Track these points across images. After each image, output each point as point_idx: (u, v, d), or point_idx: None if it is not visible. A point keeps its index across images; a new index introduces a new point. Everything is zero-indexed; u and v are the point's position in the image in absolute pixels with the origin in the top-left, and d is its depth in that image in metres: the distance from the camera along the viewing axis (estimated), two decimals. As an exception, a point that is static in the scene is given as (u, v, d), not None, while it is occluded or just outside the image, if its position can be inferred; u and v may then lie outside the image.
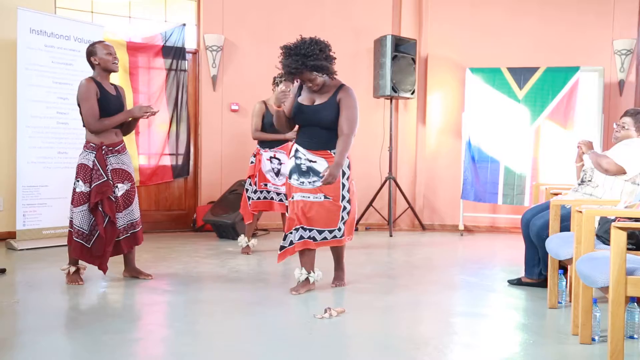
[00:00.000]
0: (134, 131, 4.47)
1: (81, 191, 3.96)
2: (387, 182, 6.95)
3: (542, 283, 3.95)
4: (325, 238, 3.72)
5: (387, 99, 6.97)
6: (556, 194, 4.41)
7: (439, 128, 7.37)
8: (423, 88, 7.33)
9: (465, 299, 3.92)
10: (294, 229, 3.69)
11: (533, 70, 6.72)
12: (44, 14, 5.70)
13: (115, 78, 4.20)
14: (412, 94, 6.95)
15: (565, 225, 3.56)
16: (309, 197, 3.69)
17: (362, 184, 7.14)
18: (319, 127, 3.76)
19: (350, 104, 3.78)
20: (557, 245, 3.30)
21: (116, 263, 4.32)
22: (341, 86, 3.85)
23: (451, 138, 7.30)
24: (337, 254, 4.03)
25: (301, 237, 3.67)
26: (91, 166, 3.95)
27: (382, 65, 6.80)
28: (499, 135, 6.78)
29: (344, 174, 3.73)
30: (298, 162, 3.75)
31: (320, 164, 3.69)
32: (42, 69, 5.58)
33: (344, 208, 3.74)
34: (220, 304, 3.56)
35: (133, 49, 6.41)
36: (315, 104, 3.79)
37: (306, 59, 3.60)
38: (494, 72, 6.82)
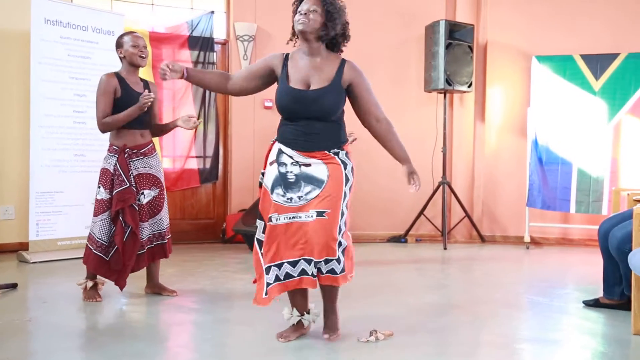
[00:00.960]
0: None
1: (102, 198, 4.02)
2: (441, 187, 6.89)
3: (624, 305, 3.83)
4: (320, 271, 3.10)
5: (441, 92, 6.92)
6: (640, 201, 4.28)
7: (501, 125, 7.27)
8: (482, 80, 7.25)
9: (533, 323, 3.84)
10: (276, 265, 3.08)
11: (612, 57, 6.57)
12: (60, 3, 5.83)
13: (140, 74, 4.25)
14: (469, 86, 6.88)
15: (651, 237, 3.45)
16: (300, 217, 3.07)
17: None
18: (317, 119, 3.17)
19: (369, 87, 3.32)
20: (642, 261, 3.20)
21: (138, 278, 4.38)
22: (344, 61, 3.25)
23: (514, 137, 7.20)
24: (331, 295, 3.27)
25: (288, 276, 3.08)
26: (112, 171, 4.01)
27: (434, 55, 6.75)
28: (571, 133, 6.66)
29: (347, 180, 3.19)
30: (282, 169, 3.15)
31: (318, 169, 3.14)
32: (58, 62, 5.71)
33: (340, 229, 3.10)
34: (252, 324, 3.55)
35: (156, 39, 6.51)
36: (312, 88, 3.17)
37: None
38: (565, 60, 6.70)
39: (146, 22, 6.68)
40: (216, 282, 4.75)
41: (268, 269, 3.07)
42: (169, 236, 4.24)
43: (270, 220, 3.10)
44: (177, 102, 6.59)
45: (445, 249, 6.60)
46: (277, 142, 3.27)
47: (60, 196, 5.71)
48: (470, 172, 7.32)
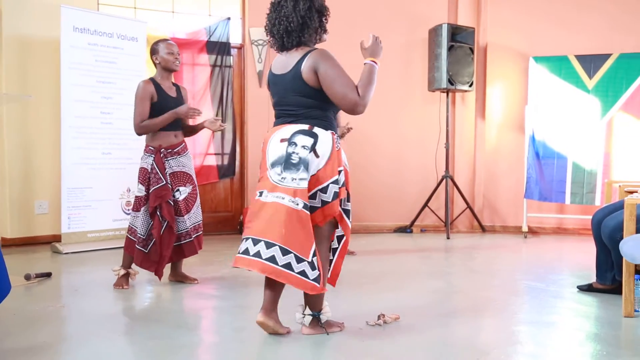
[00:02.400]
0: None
1: (140, 195, 4.08)
2: (444, 180, 6.89)
3: (615, 289, 3.84)
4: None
5: (443, 92, 6.91)
6: (631, 192, 4.27)
7: (500, 122, 7.25)
8: (482, 80, 7.23)
9: (530, 306, 3.83)
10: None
11: (605, 57, 6.54)
12: (87, 12, 5.86)
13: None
14: (470, 86, 6.86)
15: (641, 227, 3.46)
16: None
17: (416, 184, 7.13)
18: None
19: None
20: (632, 248, 3.21)
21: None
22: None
23: (513, 133, 7.18)
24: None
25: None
26: (149, 170, 4.05)
27: (437, 56, 6.74)
28: (567, 129, 6.63)
29: None
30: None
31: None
32: (86, 67, 5.75)
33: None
34: (268, 309, 3.59)
35: (177, 45, 6.51)
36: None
37: None
38: (560, 60, 6.67)
39: (167, 28, 6.70)
40: (234, 270, 4.76)
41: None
42: (201, 231, 4.31)
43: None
44: (196, 103, 6.61)
45: (448, 238, 6.61)
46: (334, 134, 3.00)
47: (89, 191, 5.75)
48: (471, 166, 7.31)
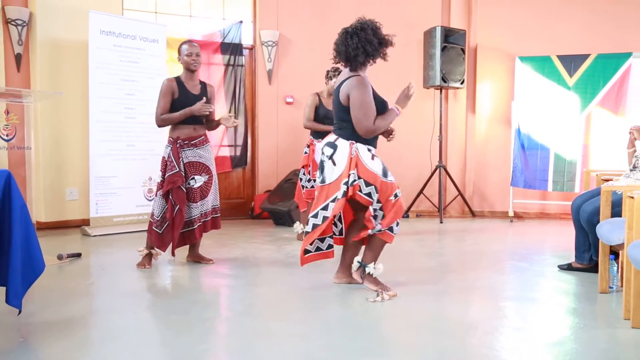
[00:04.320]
0: None
1: (159, 181, 4.09)
2: (438, 170, 6.87)
3: (592, 268, 3.84)
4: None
5: (437, 89, 6.88)
6: (607, 180, 4.26)
7: (489, 116, 7.22)
8: (472, 78, 7.19)
9: (515, 284, 3.84)
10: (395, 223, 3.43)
11: (584, 57, 6.50)
12: (113, 16, 5.85)
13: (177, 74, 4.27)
14: (462, 83, 6.83)
15: (616, 211, 3.45)
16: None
17: (412, 173, 7.12)
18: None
19: None
20: (608, 231, 3.20)
21: (181, 249, 4.43)
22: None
23: (500, 126, 7.15)
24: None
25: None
26: (167, 158, 4.06)
27: (432, 56, 6.71)
28: (549, 123, 6.61)
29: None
30: (381, 161, 3.50)
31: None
32: (111, 67, 5.74)
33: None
34: (277, 287, 3.60)
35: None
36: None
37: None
38: (543, 60, 6.63)
39: (185, 31, 6.69)
40: (246, 252, 4.80)
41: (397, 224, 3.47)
42: (217, 215, 4.29)
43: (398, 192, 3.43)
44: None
45: (441, 222, 6.60)
46: (361, 145, 3.41)
47: (114, 180, 5.76)
48: (462, 156, 7.29)
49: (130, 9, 6.45)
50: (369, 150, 3.40)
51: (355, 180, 3.28)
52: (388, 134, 3.59)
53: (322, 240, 3.45)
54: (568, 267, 4.03)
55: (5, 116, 4.74)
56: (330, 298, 3.33)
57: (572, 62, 6.54)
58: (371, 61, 3.48)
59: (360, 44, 3.39)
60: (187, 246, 4.32)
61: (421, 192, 6.95)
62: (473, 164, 7.25)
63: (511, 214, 6.82)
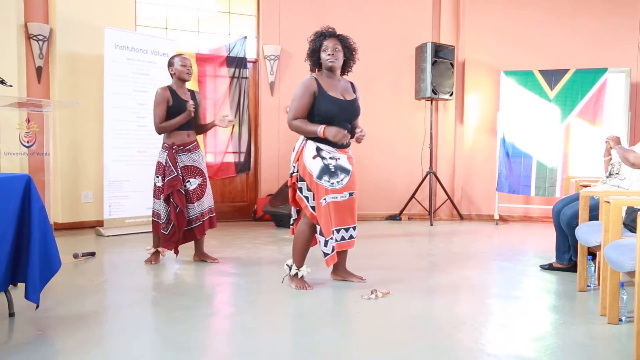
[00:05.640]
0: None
1: (158, 185, 4.07)
2: (428, 176, 6.88)
3: (572, 268, 3.84)
4: (351, 237, 3.37)
5: (428, 100, 6.89)
6: (585, 186, 4.27)
7: (476, 126, 7.23)
8: (461, 90, 7.21)
9: (500, 283, 3.84)
10: (335, 230, 3.28)
11: (563, 72, 6.52)
12: (126, 32, 5.85)
13: (187, 86, 4.27)
14: (451, 95, 6.84)
15: (593, 215, 3.46)
16: (336, 198, 3.25)
17: (404, 178, 7.12)
18: (350, 122, 3.38)
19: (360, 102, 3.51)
20: (586, 233, 3.21)
21: (187, 248, 4.43)
22: (352, 83, 3.52)
23: (487, 135, 7.16)
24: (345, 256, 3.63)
25: (342, 238, 3.32)
26: (164, 163, 4.05)
27: (423, 70, 6.72)
28: (532, 133, 6.62)
29: None
30: (325, 162, 3.26)
31: (344, 161, 3.33)
32: (124, 79, 5.74)
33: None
34: (278, 285, 3.59)
35: (201, 59, 6.52)
36: (347, 98, 3.37)
37: (343, 38, 3.39)
38: (526, 74, 6.65)
39: (193, 45, 6.69)
40: (249, 252, 4.79)
41: (337, 231, 3.28)
42: (212, 215, 4.25)
43: (324, 200, 3.24)
44: (217, 108, 6.61)
45: (431, 225, 6.60)
46: (315, 142, 3.29)
47: (127, 184, 5.76)
48: (451, 163, 7.29)
49: (142, 25, 6.45)
50: (318, 149, 3.28)
51: (294, 173, 3.35)
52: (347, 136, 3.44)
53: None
54: (549, 267, 4.03)
55: (27, 124, 4.73)
56: (327, 295, 3.33)
57: (552, 76, 6.56)
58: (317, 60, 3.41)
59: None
60: (193, 246, 4.32)
61: (413, 196, 6.95)
62: (461, 170, 7.26)
63: (497, 217, 6.82)
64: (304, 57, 3.45)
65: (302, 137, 3.37)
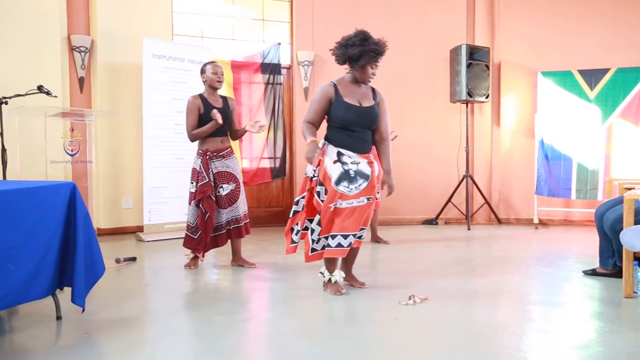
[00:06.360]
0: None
1: (192, 191, 4.14)
2: (465, 179, 6.79)
3: (616, 274, 3.73)
4: (360, 237, 3.38)
5: (463, 103, 6.81)
6: (629, 189, 4.15)
7: (513, 129, 7.11)
8: (497, 92, 7.10)
9: (541, 288, 3.75)
10: (330, 236, 3.26)
11: (604, 71, 6.36)
12: (164, 41, 5.98)
13: (222, 93, 4.33)
14: (487, 98, 6.75)
15: (638, 219, 3.35)
16: (352, 203, 3.24)
17: (441, 182, 7.05)
18: (368, 129, 3.37)
19: (386, 109, 3.46)
20: (631, 238, 3.12)
21: (225, 253, 4.48)
22: (374, 89, 3.48)
23: (524, 138, 7.03)
24: (355, 254, 3.60)
25: (338, 245, 3.26)
26: (198, 169, 4.11)
27: (457, 73, 6.65)
28: (571, 134, 6.47)
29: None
30: (345, 167, 3.26)
31: (364, 166, 3.31)
32: (162, 87, 5.86)
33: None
34: (315, 290, 3.59)
35: (236, 67, 6.60)
36: (364, 105, 3.35)
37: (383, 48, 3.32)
38: (565, 75, 6.51)
39: (228, 53, 6.78)
40: (285, 257, 4.78)
41: (333, 237, 3.25)
42: (247, 220, 4.27)
43: (338, 204, 3.23)
44: (252, 114, 6.67)
45: (469, 229, 6.51)
46: (332, 146, 3.32)
47: (165, 190, 5.87)
48: (488, 167, 7.19)
49: (179, 34, 6.58)
50: (339, 154, 3.29)
51: (314, 177, 3.35)
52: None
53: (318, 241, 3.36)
54: (592, 273, 3.93)
55: (71, 133, 4.89)
56: (365, 301, 3.31)
57: (592, 76, 6.41)
58: (352, 68, 3.37)
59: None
60: (231, 251, 4.36)
61: (449, 200, 6.88)
62: (498, 173, 7.14)
63: (536, 221, 6.68)
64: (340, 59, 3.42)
65: (322, 139, 3.39)
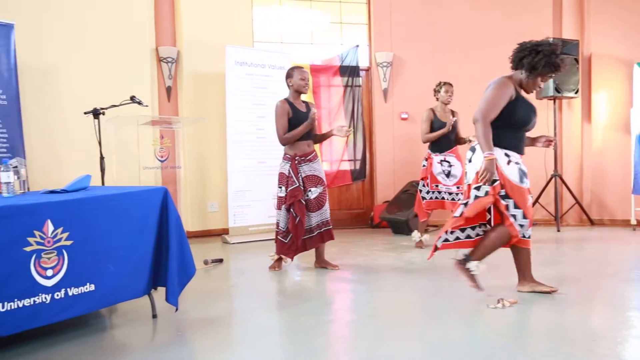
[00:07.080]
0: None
1: (281, 196, 4.21)
2: (553, 179, 6.49)
3: None
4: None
5: (551, 99, 6.52)
6: None
7: (605, 124, 6.73)
8: (587, 86, 6.75)
9: (642, 294, 3.52)
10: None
11: None
12: (245, 48, 6.16)
13: (303, 98, 4.40)
14: (576, 93, 6.43)
15: None
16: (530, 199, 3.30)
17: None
18: (528, 129, 3.35)
19: None
20: None
21: (309, 255, 4.53)
22: None
23: (619, 133, 6.63)
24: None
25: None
26: (287, 174, 4.18)
27: (544, 68, 6.37)
28: (672, 129, 6.02)
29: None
30: (519, 167, 3.23)
31: (523, 165, 3.32)
32: (244, 93, 6.03)
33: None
34: (398, 292, 3.57)
35: (315, 70, 6.67)
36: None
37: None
38: (664, 65, 6.08)
39: (307, 57, 6.88)
40: (368, 258, 4.80)
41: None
42: (330, 226, 4.30)
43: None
44: (332, 117, 6.72)
45: (558, 231, 6.22)
46: (498, 148, 3.21)
47: (249, 193, 6.02)
48: (579, 165, 6.84)
49: (259, 41, 6.75)
50: (506, 155, 3.23)
51: (496, 181, 3.18)
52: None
53: (462, 230, 3.36)
54: (701, 277, 3.63)
55: (160, 140, 5.15)
56: (452, 303, 3.25)
57: (697, 65, 5.94)
58: (529, 74, 3.31)
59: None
60: (314, 253, 4.41)
61: (537, 200, 6.60)
62: (590, 172, 6.78)
63: (634, 222, 6.27)
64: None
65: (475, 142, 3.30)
